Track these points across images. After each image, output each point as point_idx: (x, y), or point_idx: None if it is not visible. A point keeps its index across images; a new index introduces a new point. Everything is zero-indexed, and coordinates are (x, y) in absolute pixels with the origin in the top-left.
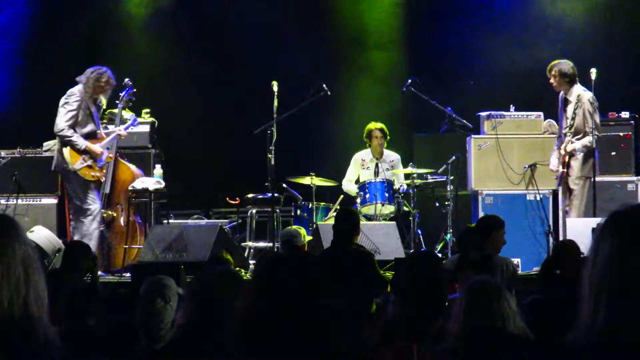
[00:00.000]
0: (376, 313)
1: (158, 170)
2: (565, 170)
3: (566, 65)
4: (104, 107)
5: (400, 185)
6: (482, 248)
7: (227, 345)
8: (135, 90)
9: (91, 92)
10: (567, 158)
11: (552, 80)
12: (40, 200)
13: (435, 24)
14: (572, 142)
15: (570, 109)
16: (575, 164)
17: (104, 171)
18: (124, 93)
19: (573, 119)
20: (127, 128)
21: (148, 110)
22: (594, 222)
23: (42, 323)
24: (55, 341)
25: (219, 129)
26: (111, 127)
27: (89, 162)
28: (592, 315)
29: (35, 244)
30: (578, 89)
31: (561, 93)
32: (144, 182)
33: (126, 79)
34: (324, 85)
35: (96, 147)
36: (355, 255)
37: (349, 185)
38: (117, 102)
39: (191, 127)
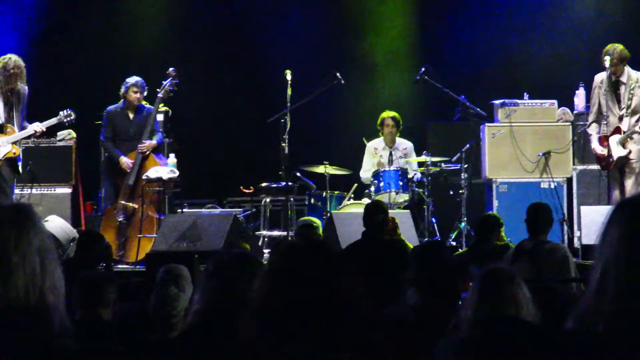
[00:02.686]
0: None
1: (172, 159)
2: (629, 150)
3: (623, 48)
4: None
5: (415, 174)
6: (535, 236)
7: (242, 332)
8: (179, 82)
9: (3, 82)
10: (628, 140)
11: (612, 65)
12: (54, 190)
13: (449, 11)
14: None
15: (624, 90)
16: (636, 147)
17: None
18: (166, 82)
19: (630, 99)
20: (47, 124)
21: None
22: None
23: (58, 312)
24: (70, 330)
25: (232, 118)
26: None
27: None
28: (598, 301)
29: (50, 233)
30: (629, 70)
31: (600, 77)
32: (157, 172)
33: (171, 69)
34: (338, 74)
35: None
36: (389, 245)
37: (367, 175)
38: (157, 90)
39: (205, 117)
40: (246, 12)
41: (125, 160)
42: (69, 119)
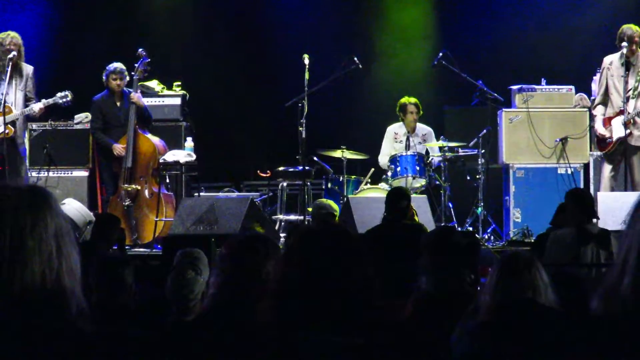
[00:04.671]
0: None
1: (189, 143)
2: (630, 132)
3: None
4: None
5: (431, 158)
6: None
7: (259, 315)
8: (149, 60)
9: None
10: (631, 122)
11: (633, 45)
12: (71, 173)
13: (468, 3)
14: None
15: (632, 72)
16: (638, 132)
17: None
18: (138, 63)
19: (638, 81)
20: (44, 104)
21: (179, 83)
22: (625, 196)
23: (74, 296)
24: (87, 313)
25: (250, 102)
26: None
27: None
28: (618, 282)
29: (67, 215)
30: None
31: (609, 59)
32: (175, 155)
33: (140, 49)
34: (355, 59)
35: None
36: (408, 229)
37: (386, 160)
38: (132, 73)
39: (222, 100)
40: None
41: (117, 146)
42: (65, 99)
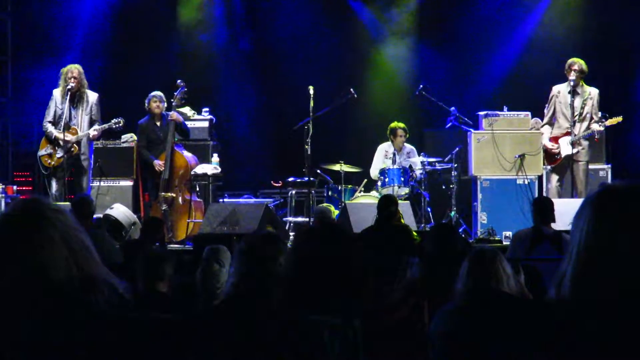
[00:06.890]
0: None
1: (215, 158)
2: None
3: (585, 63)
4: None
5: (414, 172)
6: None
7: (272, 297)
8: (186, 89)
9: (62, 88)
10: (582, 141)
11: (573, 75)
12: (119, 183)
13: (441, 40)
14: (588, 127)
15: (579, 100)
16: (583, 150)
17: (60, 162)
18: (176, 93)
19: (582, 108)
20: (100, 129)
21: (207, 109)
22: (574, 202)
23: (102, 283)
24: (116, 298)
25: (265, 125)
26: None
27: (50, 151)
28: (564, 274)
29: (115, 218)
30: (584, 84)
31: (558, 88)
32: (203, 168)
33: (178, 81)
34: (351, 89)
35: (61, 136)
36: (396, 229)
37: (376, 173)
38: (171, 100)
39: (243, 123)
40: (279, 40)
41: (157, 163)
42: (117, 125)
